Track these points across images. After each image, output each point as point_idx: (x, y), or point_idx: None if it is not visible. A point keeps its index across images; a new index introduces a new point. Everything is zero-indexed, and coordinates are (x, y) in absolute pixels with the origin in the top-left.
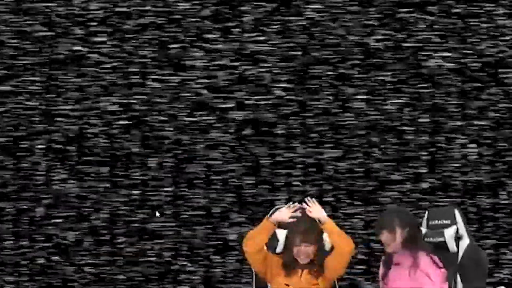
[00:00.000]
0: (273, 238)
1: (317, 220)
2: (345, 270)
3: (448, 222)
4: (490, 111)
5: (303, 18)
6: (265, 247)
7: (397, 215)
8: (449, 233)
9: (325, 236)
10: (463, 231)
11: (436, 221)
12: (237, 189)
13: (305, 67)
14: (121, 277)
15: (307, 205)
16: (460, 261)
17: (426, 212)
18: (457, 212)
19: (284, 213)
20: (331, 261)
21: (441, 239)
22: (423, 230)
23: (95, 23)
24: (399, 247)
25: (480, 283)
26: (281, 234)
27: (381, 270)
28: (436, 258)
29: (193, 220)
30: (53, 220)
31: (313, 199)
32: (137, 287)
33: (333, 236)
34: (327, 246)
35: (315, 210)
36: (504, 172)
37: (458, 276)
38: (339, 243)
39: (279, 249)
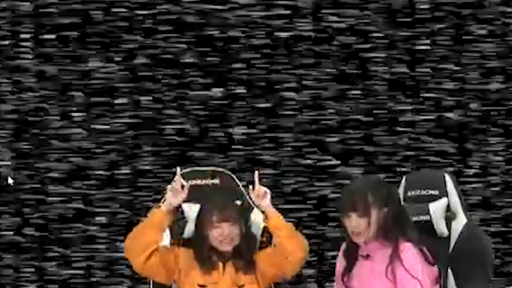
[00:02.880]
0: (179, 219)
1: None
2: (291, 276)
3: (435, 192)
4: None
5: None
6: (162, 244)
7: (371, 189)
8: (436, 208)
9: (255, 215)
10: (457, 206)
11: (418, 192)
12: None
13: None
14: None
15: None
16: (453, 250)
17: (403, 179)
18: (448, 178)
19: (176, 190)
20: (269, 261)
21: (424, 217)
22: None
23: None
24: (374, 236)
25: (482, 282)
26: (191, 210)
27: (339, 266)
28: (426, 251)
29: None
30: None
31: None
32: None
33: (281, 236)
34: (257, 229)
35: (261, 194)
36: None
37: (449, 271)
38: (287, 246)
39: (188, 232)
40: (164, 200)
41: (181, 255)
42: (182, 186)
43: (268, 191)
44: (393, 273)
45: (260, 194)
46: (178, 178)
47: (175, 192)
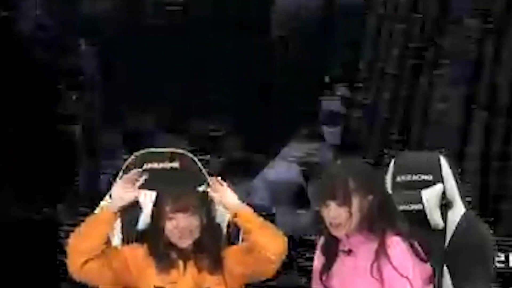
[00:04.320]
0: (132, 208)
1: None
2: (265, 277)
3: (429, 177)
4: None
5: None
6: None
7: (353, 173)
8: (430, 196)
9: (218, 206)
10: (454, 193)
11: (408, 177)
12: None
13: None
14: None
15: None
16: (449, 244)
17: (392, 162)
18: (443, 162)
19: (124, 187)
20: (238, 259)
21: (416, 206)
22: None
23: None
24: (356, 228)
25: (483, 281)
26: (146, 198)
27: (317, 262)
28: (417, 245)
29: None
30: None
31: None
32: None
33: (252, 228)
34: (222, 220)
35: (225, 193)
36: None
37: (445, 269)
38: (259, 239)
39: (142, 224)
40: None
41: (133, 254)
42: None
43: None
44: (379, 271)
45: (218, 187)
46: (135, 171)
47: (128, 186)
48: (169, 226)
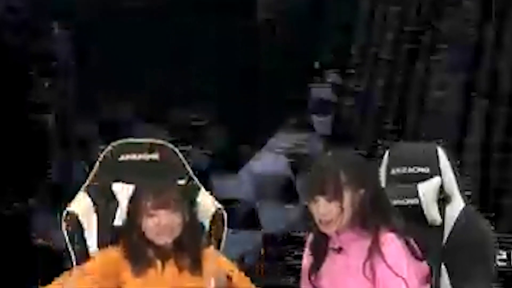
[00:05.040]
0: (109, 203)
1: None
2: None
3: (426, 170)
4: None
5: None
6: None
7: (344, 166)
8: (427, 190)
9: (202, 198)
10: (452, 186)
11: (404, 169)
12: None
13: None
14: None
15: None
16: (447, 241)
17: (386, 153)
18: (441, 153)
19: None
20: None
21: (412, 201)
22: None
23: None
24: (348, 224)
25: (483, 280)
26: (124, 192)
27: (306, 260)
28: (413, 242)
29: None
30: None
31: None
32: None
33: None
34: (205, 216)
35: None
36: None
37: (443, 268)
38: None
39: (119, 219)
40: None
41: (105, 262)
42: None
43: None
44: (373, 270)
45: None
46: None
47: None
48: (149, 223)
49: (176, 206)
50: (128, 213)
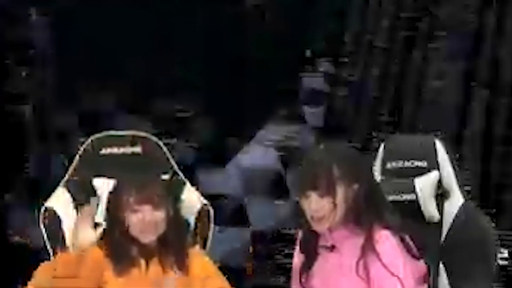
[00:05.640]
0: (89, 199)
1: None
2: None
3: (423, 164)
4: None
5: None
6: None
7: (338, 159)
8: (424, 185)
9: (187, 193)
10: (451, 181)
11: (400, 163)
12: None
13: None
14: None
15: None
16: (446, 239)
17: (381, 146)
18: (439, 146)
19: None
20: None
21: (409, 196)
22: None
23: None
24: (341, 221)
25: (483, 280)
26: (105, 187)
27: (297, 259)
28: (409, 240)
29: None
30: None
31: None
32: None
33: None
34: (189, 213)
35: None
36: None
37: (441, 267)
38: None
39: (101, 215)
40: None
41: (85, 261)
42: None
43: None
44: (366, 269)
45: None
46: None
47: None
48: (133, 219)
49: (160, 202)
50: (109, 209)
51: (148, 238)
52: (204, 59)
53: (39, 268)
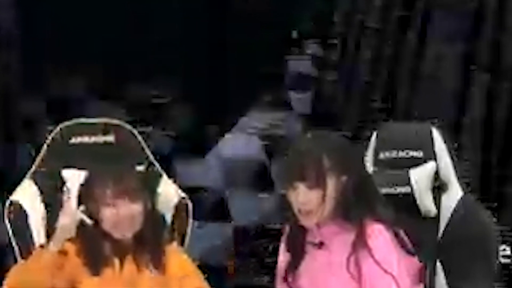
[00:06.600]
0: (58, 191)
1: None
2: None
3: (419, 154)
4: None
5: None
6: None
7: (328, 150)
8: (420, 177)
9: (164, 186)
10: (449, 173)
11: (394, 153)
12: None
13: None
14: None
15: None
16: (443, 235)
17: (374, 135)
18: (436, 135)
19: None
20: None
21: (403, 189)
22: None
23: None
24: (330, 215)
25: (484, 279)
26: (75, 180)
27: (282, 257)
28: (403, 235)
29: None
30: None
31: None
32: None
33: None
34: (166, 207)
35: None
36: None
37: (438, 264)
38: None
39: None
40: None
41: (57, 258)
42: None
43: None
44: (358, 267)
45: None
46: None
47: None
48: (107, 213)
49: (136, 195)
50: (80, 203)
51: (123, 234)
52: (182, 41)
53: (13, 268)
